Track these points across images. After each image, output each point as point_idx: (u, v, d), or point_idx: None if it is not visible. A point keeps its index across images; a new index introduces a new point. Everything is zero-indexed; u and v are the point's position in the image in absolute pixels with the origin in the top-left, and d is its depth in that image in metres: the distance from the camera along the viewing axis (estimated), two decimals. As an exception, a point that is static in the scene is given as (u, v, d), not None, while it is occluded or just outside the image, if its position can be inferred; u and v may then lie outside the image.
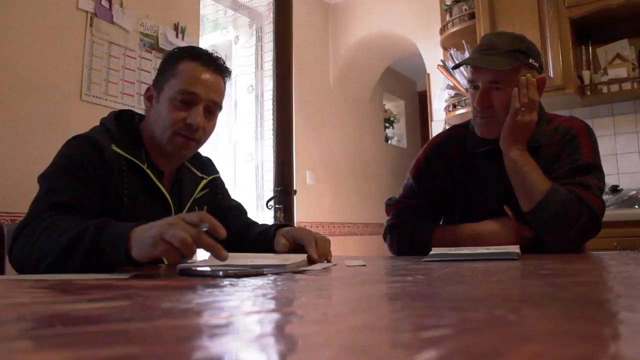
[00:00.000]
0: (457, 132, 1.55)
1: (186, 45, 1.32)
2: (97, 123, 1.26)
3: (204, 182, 1.34)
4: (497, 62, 1.32)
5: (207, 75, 1.20)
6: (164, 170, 1.25)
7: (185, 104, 1.18)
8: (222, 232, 0.84)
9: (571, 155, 1.35)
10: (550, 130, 1.41)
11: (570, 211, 1.25)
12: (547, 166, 1.35)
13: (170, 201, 1.22)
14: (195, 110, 1.18)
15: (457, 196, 1.49)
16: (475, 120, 1.41)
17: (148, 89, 1.25)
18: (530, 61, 1.35)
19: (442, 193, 1.50)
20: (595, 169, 1.35)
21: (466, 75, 1.44)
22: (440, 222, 1.56)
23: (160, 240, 0.79)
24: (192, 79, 1.18)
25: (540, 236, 1.31)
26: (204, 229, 0.81)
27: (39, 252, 0.94)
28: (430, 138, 1.70)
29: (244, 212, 1.48)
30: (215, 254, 0.82)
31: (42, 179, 1.10)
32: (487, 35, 1.46)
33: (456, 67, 1.45)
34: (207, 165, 1.42)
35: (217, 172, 1.44)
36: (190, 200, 1.28)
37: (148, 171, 1.18)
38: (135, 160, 1.16)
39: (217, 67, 1.23)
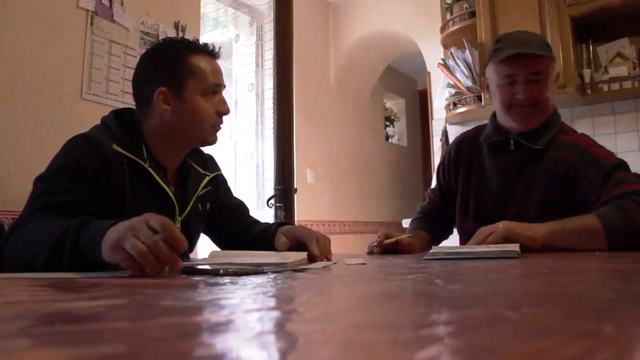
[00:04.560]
0: (476, 132, 1.61)
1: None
2: (98, 122, 1.25)
3: (206, 179, 1.34)
4: (541, 51, 1.38)
5: (217, 64, 1.27)
6: (167, 167, 1.25)
7: (211, 96, 1.24)
8: (182, 245, 0.77)
9: (594, 167, 1.34)
10: (558, 141, 1.43)
11: (631, 211, 1.22)
12: (550, 177, 1.38)
13: (173, 198, 1.22)
14: (223, 99, 1.27)
15: (461, 192, 1.56)
16: (512, 113, 1.43)
17: (162, 91, 1.20)
18: (553, 55, 1.43)
19: (453, 188, 1.59)
20: (622, 166, 1.35)
21: (499, 72, 1.43)
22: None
23: (118, 248, 0.76)
24: (213, 72, 1.24)
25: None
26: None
27: (28, 254, 0.93)
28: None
29: (246, 210, 1.48)
30: (170, 266, 0.77)
31: (38, 180, 1.09)
32: (512, 33, 1.48)
33: (507, 57, 1.40)
34: (209, 163, 1.42)
35: (219, 169, 1.44)
36: (194, 197, 1.28)
37: (150, 169, 1.17)
38: (137, 159, 1.16)
39: (215, 52, 1.29)
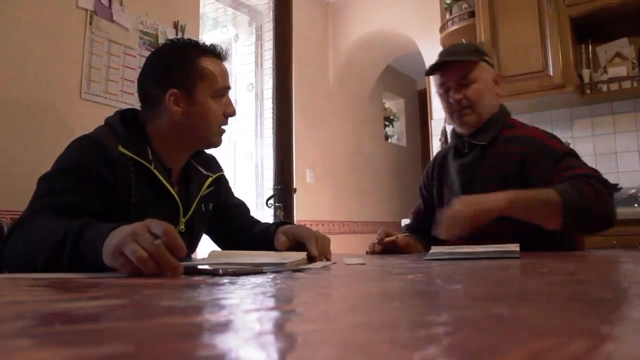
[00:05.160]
0: (449, 146, 1.72)
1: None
2: (98, 121, 1.25)
3: (209, 179, 1.34)
4: (462, 57, 1.53)
5: (224, 66, 1.29)
6: (172, 168, 1.25)
7: (220, 98, 1.27)
8: (182, 253, 0.77)
9: (547, 156, 1.40)
10: (507, 136, 1.50)
11: (585, 191, 1.26)
12: (503, 170, 1.45)
13: (177, 199, 1.22)
14: (229, 100, 1.29)
15: (436, 201, 1.67)
16: (454, 119, 1.56)
17: (173, 93, 1.21)
18: (486, 59, 1.55)
19: (434, 199, 1.69)
20: (571, 155, 1.41)
21: (435, 82, 1.60)
22: None
23: (118, 253, 0.76)
24: (222, 75, 1.26)
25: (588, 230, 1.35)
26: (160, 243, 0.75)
27: (28, 254, 0.93)
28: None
29: (247, 210, 1.48)
30: (170, 272, 0.76)
31: (42, 180, 1.09)
32: (448, 47, 1.68)
33: (430, 73, 1.59)
34: (212, 163, 1.42)
35: (222, 170, 1.44)
36: (197, 198, 1.29)
37: (155, 171, 1.18)
38: (142, 161, 1.16)
39: (223, 54, 1.31)
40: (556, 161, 1.37)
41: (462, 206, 1.30)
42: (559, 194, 1.25)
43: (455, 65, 1.52)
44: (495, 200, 1.29)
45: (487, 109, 1.52)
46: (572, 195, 1.24)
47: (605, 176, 1.39)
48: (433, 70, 1.57)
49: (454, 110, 1.53)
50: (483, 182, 1.49)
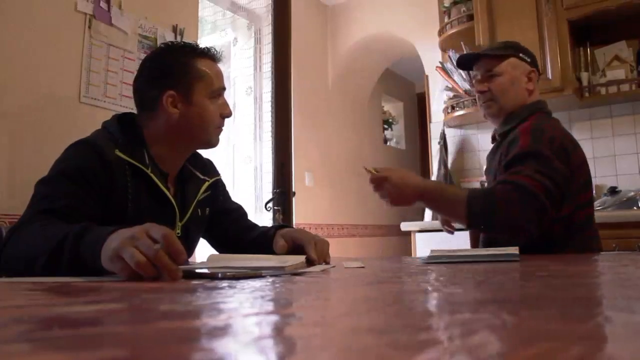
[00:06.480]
0: None
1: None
2: (96, 125, 1.25)
3: (206, 184, 1.34)
4: (488, 52, 1.63)
5: (219, 68, 1.31)
6: (168, 172, 1.25)
7: (216, 98, 1.28)
8: (182, 258, 0.77)
9: (512, 153, 1.44)
10: (515, 130, 1.52)
11: (496, 197, 1.32)
12: (498, 164, 1.52)
13: (174, 204, 1.22)
14: (225, 101, 1.31)
15: None
16: (480, 108, 1.67)
17: (171, 95, 1.22)
18: (521, 55, 1.59)
19: None
20: (530, 156, 1.40)
21: (472, 74, 1.72)
22: None
23: (116, 257, 0.76)
24: (217, 76, 1.28)
25: (499, 236, 1.42)
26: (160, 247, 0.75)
27: (27, 258, 0.93)
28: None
29: (244, 214, 1.48)
30: (169, 276, 0.76)
31: (39, 184, 1.09)
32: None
33: (461, 67, 1.73)
34: (209, 167, 1.42)
35: (219, 174, 1.44)
36: (194, 202, 1.29)
37: (152, 175, 1.18)
38: (139, 165, 1.16)
39: (218, 56, 1.33)
40: (509, 163, 1.41)
41: (391, 179, 1.45)
42: (467, 194, 1.35)
43: (484, 59, 1.62)
44: (412, 186, 1.41)
45: (511, 102, 1.57)
46: (478, 199, 1.33)
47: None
48: (461, 64, 1.71)
49: (480, 101, 1.63)
50: (492, 173, 1.60)
